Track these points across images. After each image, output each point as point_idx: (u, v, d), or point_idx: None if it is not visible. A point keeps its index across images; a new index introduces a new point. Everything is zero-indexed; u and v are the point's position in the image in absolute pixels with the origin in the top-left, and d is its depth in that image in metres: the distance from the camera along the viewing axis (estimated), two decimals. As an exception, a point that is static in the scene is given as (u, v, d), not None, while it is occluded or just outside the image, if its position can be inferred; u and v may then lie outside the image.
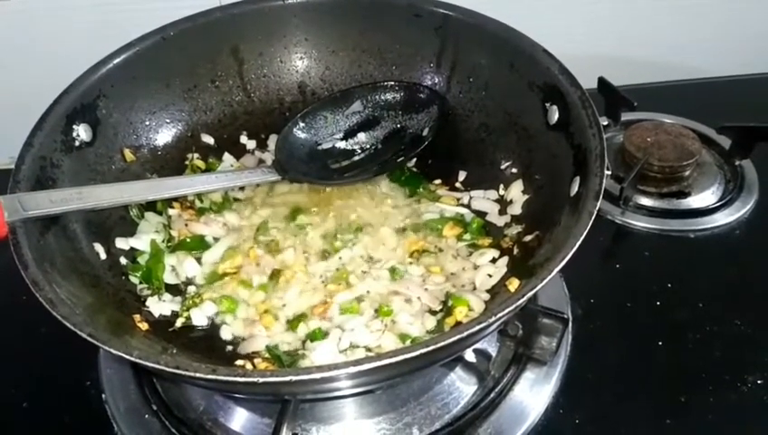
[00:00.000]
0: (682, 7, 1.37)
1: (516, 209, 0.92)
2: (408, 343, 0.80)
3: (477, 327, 0.62)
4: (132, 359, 0.61)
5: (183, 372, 0.59)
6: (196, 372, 0.59)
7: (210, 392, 0.86)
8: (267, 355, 0.81)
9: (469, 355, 0.88)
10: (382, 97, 1.05)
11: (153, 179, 0.96)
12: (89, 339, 0.62)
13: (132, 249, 0.90)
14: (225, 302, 0.87)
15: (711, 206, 1.10)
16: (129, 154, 0.95)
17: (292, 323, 0.84)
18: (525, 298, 0.65)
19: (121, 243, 0.89)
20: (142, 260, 0.89)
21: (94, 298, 0.78)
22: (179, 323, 0.85)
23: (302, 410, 0.82)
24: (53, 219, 0.80)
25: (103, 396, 0.88)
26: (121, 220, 0.91)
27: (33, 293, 0.66)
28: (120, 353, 0.61)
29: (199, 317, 0.86)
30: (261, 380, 0.59)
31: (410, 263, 0.90)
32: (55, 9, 1.16)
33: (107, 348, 0.62)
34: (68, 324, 0.64)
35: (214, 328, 0.85)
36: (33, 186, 0.79)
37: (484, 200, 0.96)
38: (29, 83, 1.10)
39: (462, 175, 1.00)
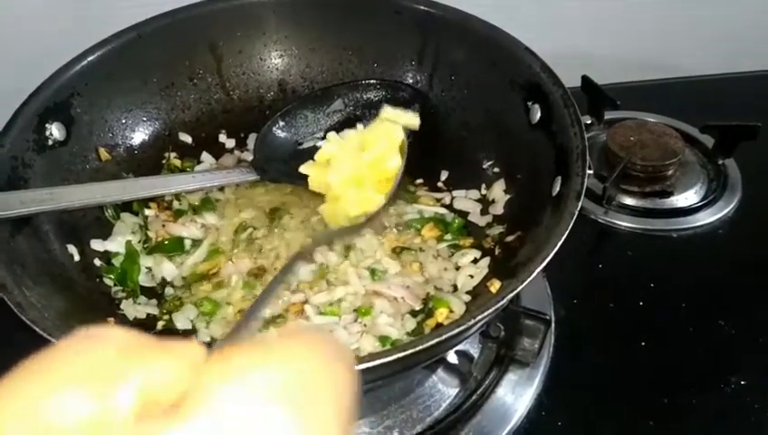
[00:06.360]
0: (666, 5, 1.36)
1: (498, 209, 0.91)
2: (387, 345, 0.78)
3: (457, 330, 0.61)
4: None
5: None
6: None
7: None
8: (245, 358, 0.79)
9: (451, 357, 0.87)
10: (364, 95, 1.03)
11: (129, 179, 0.94)
12: (58, 344, 0.61)
13: (107, 250, 0.88)
14: (207, 304, 0.85)
15: (694, 205, 1.09)
16: (104, 153, 0.93)
17: (267, 324, 0.82)
18: (505, 300, 0.64)
19: (96, 244, 0.87)
20: (117, 262, 0.87)
21: (67, 301, 0.76)
22: (160, 326, 0.83)
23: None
24: (25, 220, 0.78)
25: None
26: (96, 221, 0.89)
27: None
28: (90, 359, 0.59)
29: (182, 321, 0.84)
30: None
31: (391, 259, 0.89)
32: (29, 6, 1.13)
33: (76, 354, 0.60)
34: (37, 329, 0.62)
35: (192, 330, 0.84)
36: (3, 186, 0.77)
37: (465, 200, 0.95)
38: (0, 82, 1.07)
39: (444, 174, 0.99)
